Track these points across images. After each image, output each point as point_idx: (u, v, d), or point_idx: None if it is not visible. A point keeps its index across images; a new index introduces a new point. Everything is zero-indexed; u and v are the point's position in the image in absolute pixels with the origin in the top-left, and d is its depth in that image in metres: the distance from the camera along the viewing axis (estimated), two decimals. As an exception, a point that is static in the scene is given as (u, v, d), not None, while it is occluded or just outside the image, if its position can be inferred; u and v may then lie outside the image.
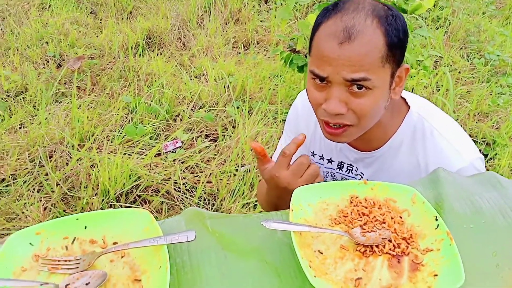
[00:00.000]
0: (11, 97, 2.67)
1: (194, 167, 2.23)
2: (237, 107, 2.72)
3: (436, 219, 0.78)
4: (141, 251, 0.75)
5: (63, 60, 3.29)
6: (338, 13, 0.88)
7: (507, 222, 0.84)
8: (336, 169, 1.17)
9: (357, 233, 0.79)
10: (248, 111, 2.67)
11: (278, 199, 0.99)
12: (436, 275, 0.71)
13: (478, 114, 2.94)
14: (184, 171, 2.18)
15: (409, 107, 1.06)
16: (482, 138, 2.69)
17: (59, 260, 0.75)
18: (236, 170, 2.24)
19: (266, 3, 4.55)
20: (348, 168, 1.14)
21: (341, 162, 1.16)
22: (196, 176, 2.17)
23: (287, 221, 0.78)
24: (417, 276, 0.72)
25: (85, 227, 0.79)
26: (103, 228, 0.79)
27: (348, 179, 1.17)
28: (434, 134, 1.03)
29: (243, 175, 2.21)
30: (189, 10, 4.16)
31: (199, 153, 2.28)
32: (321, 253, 0.77)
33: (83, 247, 0.77)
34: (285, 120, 2.44)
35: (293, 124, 1.23)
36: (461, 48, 3.73)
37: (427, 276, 0.72)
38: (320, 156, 1.19)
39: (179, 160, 2.21)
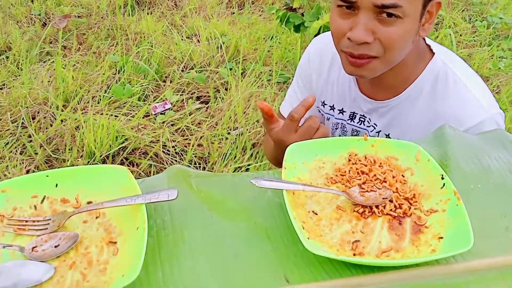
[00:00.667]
0: (-7, 56, 2.55)
1: (184, 130, 2.15)
2: (230, 69, 2.61)
3: (442, 178, 0.71)
4: (117, 211, 0.68)
5: (49, 19, 3.14)
6: None
7: (517, 182, 0.78)
8: (348, 120, 1.10)
9: (356, 192, 0.72)
10: (242, 73, 2.57)
11: (283, 153, 0.93)
12: (441, 237, 0.65)
13: (478, 78, 2.86)
14: (174, 134, 2.10)
15: (434, 53, 0.98)
16: (482, 103, 2.61)
17: (26, 221, 0.68)
18: (228, 133, 2.16)
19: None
20: (361, 119, 1.08)
21: (354, 112, 1.08)
22: (186, 139, 2.09)
23: (280, 179, 0.70)
24: (420, 239, 0.66)
25: (56, 185, 0.72)
26: (76, 186, 0.72)
27: (359, 131, 1.10)
28: (457, 83, 0.96)
29: (235, 138, 2.14)
30: (181, -33, 3.98)
31: (189, 115, 2.19)
32: (316, 214, 0.70)
33: (53, 207, 0.70)
34: (279, 82, 2.35)
35: (304, 70, 1.16)
36: (463, 10, 3.60)
37: (431, 239, 0.65)
38: (330, 106, 1.12)
39: (169, 122, 2.13)
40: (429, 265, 0.62)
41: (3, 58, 2.55)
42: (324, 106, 1.14)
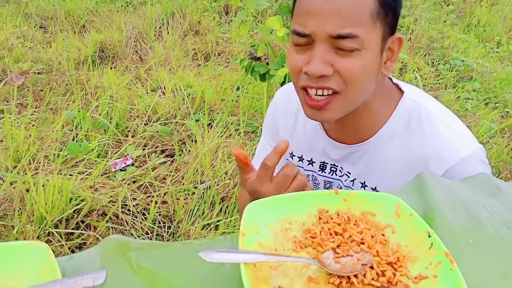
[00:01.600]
0: None
1: (147, 187, 2.00)
2: (197, 120, 2.52)
3: (429, 236, 0.60)
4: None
5: (6, 76, 3.01)
6: None
7: (512, 235, 0.67)
8: (318, 170, 1.01)
9: (329, 259, 0.60)
10: (208, 124, 2.48)
11: None
12: (436, 312, 0.53)
13: (447, 119, 2.85)
14: (135, 191, 1.95)
15: (403, 92, 0.92)
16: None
17: None
18: (195, 187, 2.03)
19: (226, 14, 4.41)
20: (332, 168, 0.99)
21: (324, 162, 0.99)
22: (149, 196, 1.94)
23: (236, 249, 0.58)
24: (411, 315, 0.54)
25: (-43, 271, 0.57)
26: (-17, 271, 0.57)
27: (332, 182, 1.00)
28: (433, 120, 0.88)
29: (203, 193, 2.00)
30: (146, 22, 3.96)
31: (152, 170, 2.06)
32: (283, 290, 0.57)
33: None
34: (248, 132, 2.25)
35: (270, 124, 1.10)
36: (425, 55, 3.67)
37: (424, 315, 0.53)
38: (299, 158, 1.03)
39: (130, 179, 1.98)
40: None
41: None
42: (292, 158, 1.05)
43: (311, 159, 1.01)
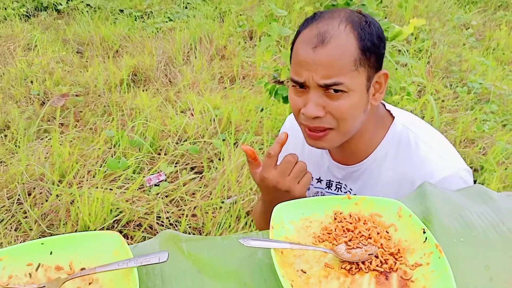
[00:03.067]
0: (-8, 135, 2.62)
1: (178, 200, 2.16)
2: (223, 140, 2.69)
3: (424, 232, 0.74)
4: (110, 276, 0.70)
5: (48, 98, 3.26)
6: (314, 22, 0.91)
7: (499, 236, 0.80)
8: (326, 188, 1.15)
9: (342, 250, 0.75)
10: (234, 143, 2.64)
11: (271, 206, 0.96)
12: (427, 290, 0.66)
13: (464, 140, 2.95)
14: (168, 205, 2.12)
15: (394, 118, 1.05)
16: (470, 164, 2.68)
17: (21, 289, 0.69)
18: (222, 202, 2.18)
19: (251, 39, 4.63)
20: (337, 186, 1.13)
21: (330, 180, 1.14)
22: (180, 209, 2.11)
23: (268, 239, 0.73)
24: (407, 293, 0.68)
25: (51, 253, 0.74)
26: (70, 253, 0.74)
27: None
28: (419, 144, 1.01)
29: (229, 207, 2.16)
30: (175, 47, 4.20)
31: (183, 186, 2.22)
32: (304, 272, 0.71)
33: (48, 274, 0.72)
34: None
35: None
36: (443, 78, 3.78)
37: (418, 293, 0.67)
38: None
39: (163, 194, 2.15)
40: (416, 318, 0.63)
41: (1, 137, 2.62)
42: None
43: (319, 178, 1.16)
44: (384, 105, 1.08)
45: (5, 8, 4.91)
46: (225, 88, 3.59)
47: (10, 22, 4.70)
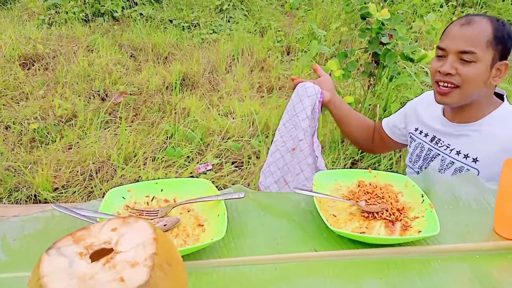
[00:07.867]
0: (62, 122, 3.03)
1: (221, 188, 2.50)
2: (260, 141, 3.02)
3: (422, 196, 1.05)
4: (203, 206, 1.03)
5: (107, 95, 3.68)
6: (465, 16, 1.30)
7: (479, 206, 1.09)
8: (429, 142, 1.47)
9: (363, 204, 1.06)
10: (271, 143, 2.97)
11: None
12: (420, 231, 0.97)
13: None
14: (213, 191, 2.46)
15: (503, 102, 1.37)
16: None
17: (143, 211, 1.02)
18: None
19: (288, 54, 4.98)
20: (437, 142, 1.45)
21: (434, 136, 1.47)
22: (224, 195, 2.44)
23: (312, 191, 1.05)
24: (406, 233, 0.98)
25: (162, 190, 1.07)
26: (174, 191, 1.07)
27: (432, 150, 1.46)
28: None
29: (265, 197, 2.47)
30: (219, 57, 4.59)
31: (226, 176, 2.56)
32: (335, 216, 1.03)
33: (159, 204, 1.05)
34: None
35: (413, 104, 1.58)
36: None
37: (413, 233, 0.97)
38: (420, 131, 1.52)
39: (210, 180, 2.50)
40: (411, 245, 0.94)
41: (71, 124, 3.03)
42: (416, 131, 1.53)
43: (427, 133, 1.49)
44: (499, 96, 1.38)
45: (66, 12, 5.42)
46: (263, 96, 3.93)
47: (71, 25, 5.20)
